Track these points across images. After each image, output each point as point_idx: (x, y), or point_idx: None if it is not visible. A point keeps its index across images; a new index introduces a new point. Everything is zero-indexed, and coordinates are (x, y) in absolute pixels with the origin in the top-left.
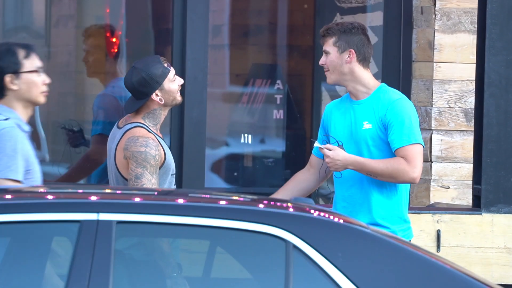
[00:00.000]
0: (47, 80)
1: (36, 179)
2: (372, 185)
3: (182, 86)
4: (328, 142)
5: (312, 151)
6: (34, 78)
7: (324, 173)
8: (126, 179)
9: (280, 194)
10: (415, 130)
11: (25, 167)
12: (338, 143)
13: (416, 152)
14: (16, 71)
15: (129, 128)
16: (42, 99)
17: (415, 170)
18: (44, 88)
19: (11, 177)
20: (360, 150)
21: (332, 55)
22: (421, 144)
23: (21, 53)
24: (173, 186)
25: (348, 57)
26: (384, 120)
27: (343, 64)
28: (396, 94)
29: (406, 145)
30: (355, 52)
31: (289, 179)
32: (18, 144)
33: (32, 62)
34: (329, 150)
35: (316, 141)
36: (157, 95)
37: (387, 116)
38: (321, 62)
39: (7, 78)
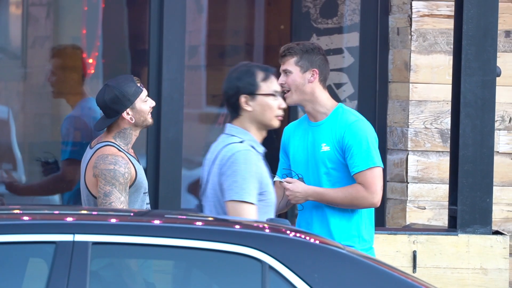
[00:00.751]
0: (283, 104)
1: (271, 200)
2: (331, 210)
3: (158, 106)
4: (290, 175)
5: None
6: (269, 101)
7: (284, 205)
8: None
9: None
10: (373, 152)
11: (259, 189)
12: (298, 176)
13: (375, 176)
14: (252, 93)
15: (99, 147)
16: (276, 123)
17: (374, 196)
18: (280, 112)
19: (245, 199)
20: (319, 172)
21: (295, 74)
22: (380, 166)
23: (259, 75)
24: (147, 205)
25: (311, 76)
26: (341, 142)
27: (306, 83)
28: (353, 116)
29: (365, 169)
30: (318, 71)
31: None
32: (252, 167)
33: (270, 85)
34: (289, 183)
35: (276, 175)
36: (128, 113)
37: (344, 139)
38: (280, 81)
39: (242, 99)
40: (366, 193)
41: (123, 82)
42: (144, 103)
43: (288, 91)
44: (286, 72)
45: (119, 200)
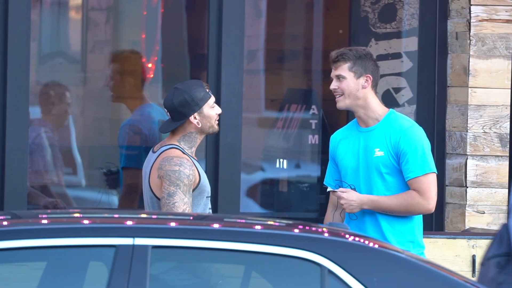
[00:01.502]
0: None
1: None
2: (384, 217)
3: None
4: (341, 186)
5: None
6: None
7: (339, 216)
8: (159, 199)
9: None
10: (428, 158)
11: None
12: (350, 186)
13: (430, 182)
14: None
15: (164, 150)
16: None
17: (430, 202)
18: None
19: None
20: (371, 177)
21: (349, 80)
22: (434, 172)
23: None
24: (209, 209)
25: (365, 82)
26: (397, 148)
27: (359, 89)
28: (407, 122)
29: (420, 175)
30: (372, 77)
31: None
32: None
33: None
34: (343, 192)
35: (329, 186)
36: (195, 118)
37: (400, 144)
38: (333, 86)
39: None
40: (421, 199)
41: (193, 86)
42: (212, 109)
43: (341, 95)
44: (340, 77)
45: (183, 201)
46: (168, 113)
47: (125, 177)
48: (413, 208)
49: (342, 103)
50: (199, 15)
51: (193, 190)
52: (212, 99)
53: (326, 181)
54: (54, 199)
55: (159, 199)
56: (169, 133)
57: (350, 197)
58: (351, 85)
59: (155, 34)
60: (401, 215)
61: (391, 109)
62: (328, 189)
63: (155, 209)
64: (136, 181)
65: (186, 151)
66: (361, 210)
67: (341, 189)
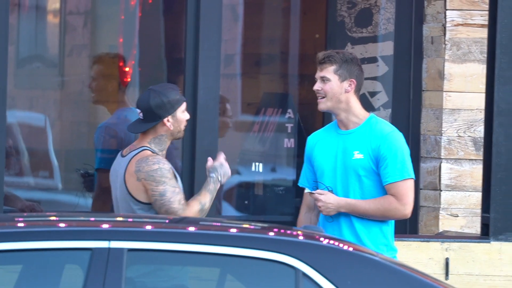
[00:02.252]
0: None
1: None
2: (359, 220)
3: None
4: (318, 188)
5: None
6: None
7: (315, 217)
8: (144, 203)
9: None
10: (407, 164)
11: None
12: (327, 188)
13: (407, 188)
14: None
15: (136, 153)
16: None
17: (406, 207)
18: None
19: None
20: (349, 179)
21: (333, 82)
22: (412, 178)
23: None
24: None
25: (349, 86)
26: (377, 152)
27: (342, 93)
28: (388, 127)
29: (398, 181)
30: (356, 82)
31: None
32: None
33: None
34: (321, 195)
35: (307, 188)
36: (168, 120)
37: (381, 149)
38: (316, 87)
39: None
40: (398, 204)
41: (169, 89)
42: (183, 114)
43: (323, 97)
44: (324, 79)
45: (175, 193)
46: (141, 114)
47: (99, 178)
48: (389, 213)
49: (323, 105)
50: (177, 19)
51: None
52: (185, 104)
53: (300, 182)
54: (31, 202)
55: (140, 202)
56: (139, 135)
57: (328, 199)
58: (335, 88)
59: (133, 38)
60: (377, 219)
61: (371, 113)
62: (305, 191)
63: (134, 212)
64: (110, 183)
65: (158, 153)
66: (338, 214)
67: (318, 190)
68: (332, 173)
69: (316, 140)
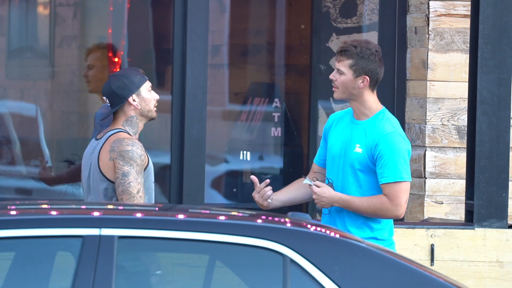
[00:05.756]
0: None
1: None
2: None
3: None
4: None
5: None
6: None
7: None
8: (112, 181)
9: (282, 193)
10: (403, 166)
11: None
12: (328, 180)
13: (401, 190)
14: None
15: (112, 134)
16: None
17: (398, 209)
18: None
19: None
20: (345, 170)
21: (347, 77)
22: (408, 181)
23: None
24: (152, 193)
25: (361, 82)
26: (374, 150)
27: (356, 87)
28: (390, 126)
29: (392, 182)
30: (369, 78)
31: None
32: None
33: None
34: (317, 187)
35: (307, 178)
36: (134, 100)
37: (377, 147)
38: (332, 76)
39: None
40: (390, 205)
41: (129, 70)
42: (149, 92)
43: (337, 88)
44: (339, 71)
45: (137, 181)
46: (107, 101)
47: None
48: (381, 212)
49: (337, 94)
50: (165, 11)
51: (143, 170)
52: (149, 83)
53: (315, 159)
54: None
55: (109, 179)
56: (112, 121)
57: (323, 193)
58: (347, 82)
59: (122, 29)
60: (369, 216)
61: (383, 109)
62: (304, 181)
63: (106, 195)
64: None
65: (131, 135)
66: (334, 208)
67: (317, 182)
68: (337, 160)
69: (334, 122)
